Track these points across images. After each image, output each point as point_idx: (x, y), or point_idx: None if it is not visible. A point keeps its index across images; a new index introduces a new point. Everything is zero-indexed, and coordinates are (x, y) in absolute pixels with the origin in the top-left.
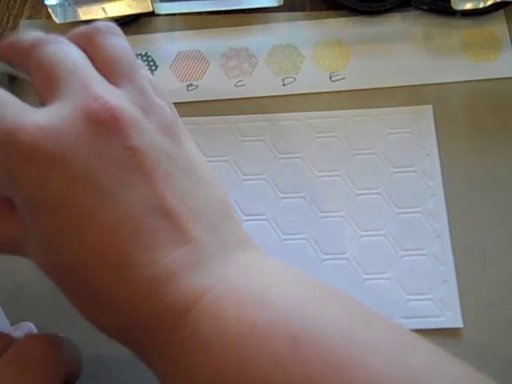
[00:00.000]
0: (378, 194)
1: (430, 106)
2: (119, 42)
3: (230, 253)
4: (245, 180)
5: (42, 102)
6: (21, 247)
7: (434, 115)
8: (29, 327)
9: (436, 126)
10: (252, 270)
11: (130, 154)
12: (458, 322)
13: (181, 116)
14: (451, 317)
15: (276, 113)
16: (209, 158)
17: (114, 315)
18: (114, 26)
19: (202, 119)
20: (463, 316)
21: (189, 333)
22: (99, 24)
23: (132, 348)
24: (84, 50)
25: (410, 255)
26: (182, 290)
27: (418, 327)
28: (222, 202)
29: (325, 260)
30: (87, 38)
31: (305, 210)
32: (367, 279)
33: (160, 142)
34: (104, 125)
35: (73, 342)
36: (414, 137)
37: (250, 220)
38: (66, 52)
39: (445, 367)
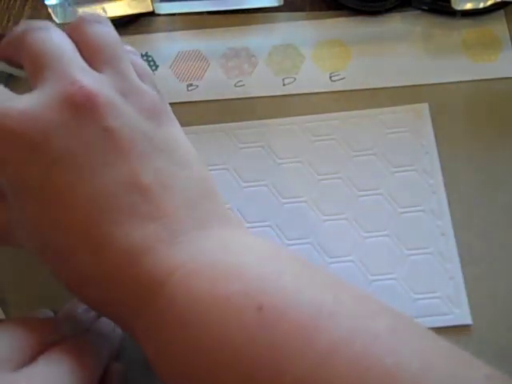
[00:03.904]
0: (379, 194)
1: (426, 104)
2: (103, 30)
3: (206, 229)
4: (245, 187)
5: (31, 88)
6: (12, 236)
7: (434, 115)
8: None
9: (436, 126)
10: (228, 245)
11: (106, 135)
12: (466, 319)
13: (180, 115)
14: (460, 314)
15: (274, 116)
16: (208, 167)
17: (96, 289)
18: (98, 15)
19: (200, 128)
20: (472, 313)
21: (165, 307)
22: (85, 14)
23: (119, 323)
24: (72, 39)
25: (416, 254)
26: (156, 263)
27: (427, 326)
28: (201, 180)
29: (330, 263)
30: (74, 28)
31: (307, 215)
32: (374, 280)
33: (138, 124)
34: (81, 107)
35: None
36: (412, 136)
37: (253, 227)
38: (53, 38)
39: (405, 332)
